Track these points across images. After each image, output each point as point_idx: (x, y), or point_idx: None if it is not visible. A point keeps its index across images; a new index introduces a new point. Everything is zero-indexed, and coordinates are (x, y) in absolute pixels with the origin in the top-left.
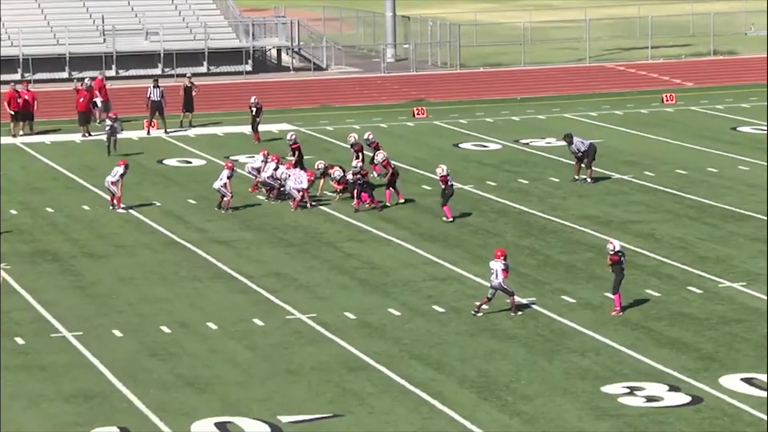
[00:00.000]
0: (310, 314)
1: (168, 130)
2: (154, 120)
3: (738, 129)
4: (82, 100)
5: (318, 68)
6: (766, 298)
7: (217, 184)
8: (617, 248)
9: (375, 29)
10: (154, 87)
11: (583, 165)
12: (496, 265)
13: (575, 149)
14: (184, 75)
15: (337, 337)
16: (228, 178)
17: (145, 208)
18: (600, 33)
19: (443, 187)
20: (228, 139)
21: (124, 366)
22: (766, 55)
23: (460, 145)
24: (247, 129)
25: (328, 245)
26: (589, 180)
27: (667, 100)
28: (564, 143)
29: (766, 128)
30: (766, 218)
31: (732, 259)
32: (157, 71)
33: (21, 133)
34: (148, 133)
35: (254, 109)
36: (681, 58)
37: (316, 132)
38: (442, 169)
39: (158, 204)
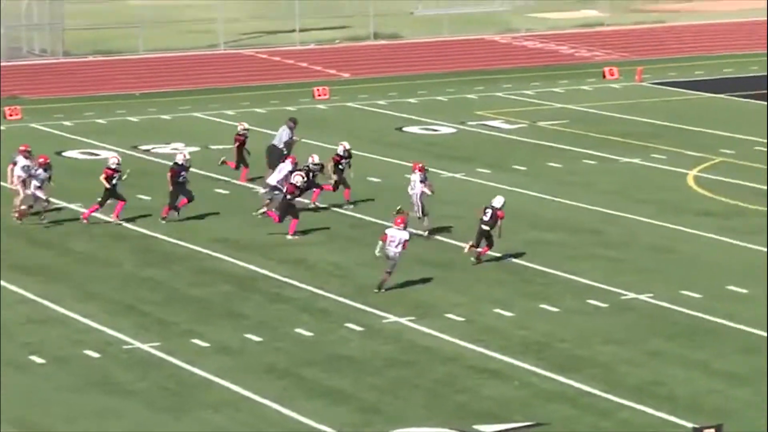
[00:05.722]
0: None
1: None
2: None
3: (404, 129)
4: None
5: None
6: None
7: None
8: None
9: None
10: None
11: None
12: None
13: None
14: None
15: None
16: None
17: None
18: (237, 13)
19: None
20: None
21: None
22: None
23: (63, 154)
24: None
25: None
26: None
27: (319, 95)
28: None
29: (432, 129)
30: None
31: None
32: None
33: None
34: None
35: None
36: (335, 43)
37: None
38: None
39: None
